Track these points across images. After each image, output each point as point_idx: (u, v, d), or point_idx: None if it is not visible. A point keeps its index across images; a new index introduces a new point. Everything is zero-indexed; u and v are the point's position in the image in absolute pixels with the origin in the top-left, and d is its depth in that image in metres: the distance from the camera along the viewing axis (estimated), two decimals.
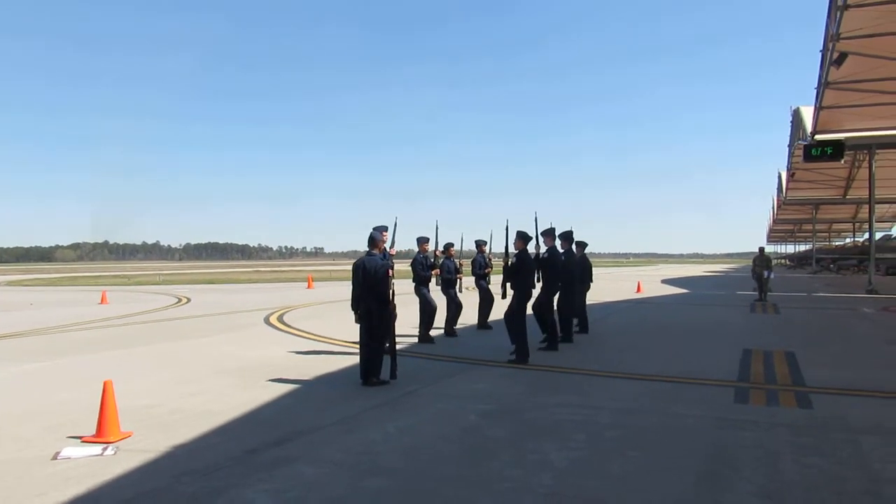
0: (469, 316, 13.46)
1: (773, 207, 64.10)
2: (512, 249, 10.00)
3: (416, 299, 11.57)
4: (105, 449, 5.13)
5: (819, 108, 21.48)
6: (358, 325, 7.77)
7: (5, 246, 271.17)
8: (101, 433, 5.40)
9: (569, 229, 11.83)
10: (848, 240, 69.53)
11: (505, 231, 10.75)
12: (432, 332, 11.64)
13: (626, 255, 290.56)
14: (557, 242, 11.54)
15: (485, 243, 13.52)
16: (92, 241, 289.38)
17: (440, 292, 12.39)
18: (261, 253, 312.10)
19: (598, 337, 12.05)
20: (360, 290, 7.79)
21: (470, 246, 14.09)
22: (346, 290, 9.87)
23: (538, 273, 10.58)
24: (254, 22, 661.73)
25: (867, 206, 28.54)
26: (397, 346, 10.35)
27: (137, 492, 4.24)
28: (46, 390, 7.36)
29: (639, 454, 4.97)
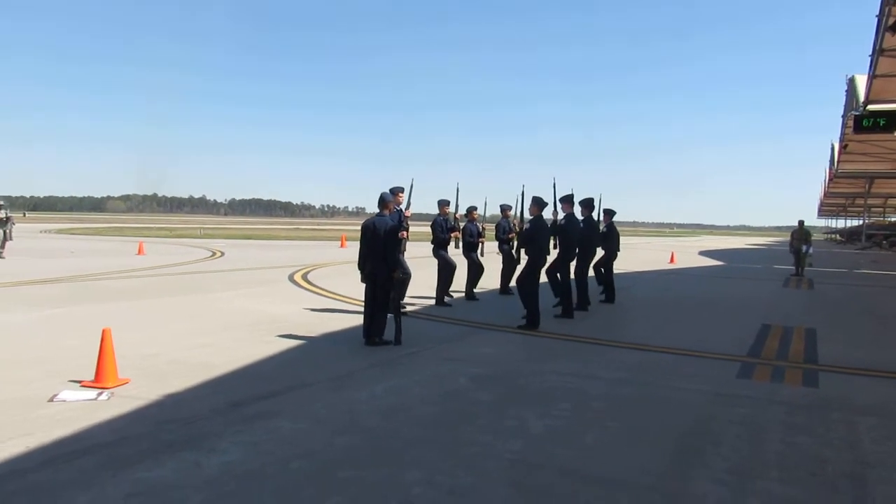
0: (492, 280, 13.42)
1: (825, 180, 61.90)
2: (527, 215, 9.90)
3: (436, 261, 11.56)
4: (100, 394, 5.28)
5: (872, 77, 20.48)
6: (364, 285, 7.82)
7: (60, 195, 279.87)
8: (99, 379, 5.55)
9: (590, 197, 11.65)
10: None
11: (521, 197, 10.65)
12: (454, 295, 11.66)
13: (669, 225, 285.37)
14: (577, 209, 11.41)
15: (510, 208, 13.39)
16: (141, 194, 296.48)
17: (461, 255, 12.38)
18: (303, 210, 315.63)
19: (617, 306, 11.91)
20: (366, 250, 7.80)
21: (493, 210, 14.01)
22: None
23: (555, 239, 10.48)
24: None
25: None
26: (412, 308, 10.53)
27: (119, 436, 4.36)
28: (59, 336, 7.58)
29: (619, 425, 4.91)
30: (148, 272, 16.04)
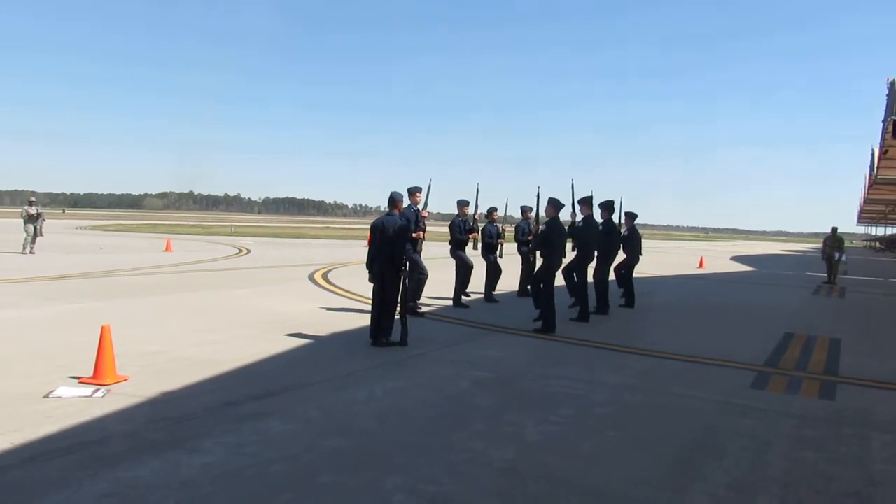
0: (513, 282, 13.27)
1: (864, 186, 60.25)
2: (543, 216, 9.73)
3: (453, 261, 11.45)
4: (96, 391, 5.27)
5: None
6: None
7: (100, 192, 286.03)
8: (97, 376, 5.55)
9: (610, 199, 11.43)
10: None
11: (536, 198, 10.49)
12: (472, 297, 11.54)
13: (704, 230, 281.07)
14: (597, 212, 11.20)
15: (530, 209, 13.21)
16: (178, 191, 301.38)
17: (480, 256, 12.26)
18: (336, 210, 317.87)
19: (636, 311, 11.68)
20: (375, 250, 7.73)
21: (514, 212, 13.85)
22: None
23: (572, 242, 10.31)
24: None
25: None
26: (428, 308, 10.43)
27: (106, 434, 4.33)
28: (69, 331, 7.63)
29: (619, 434, 4.75)
30: (171, 269, 16.19)
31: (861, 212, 76.65)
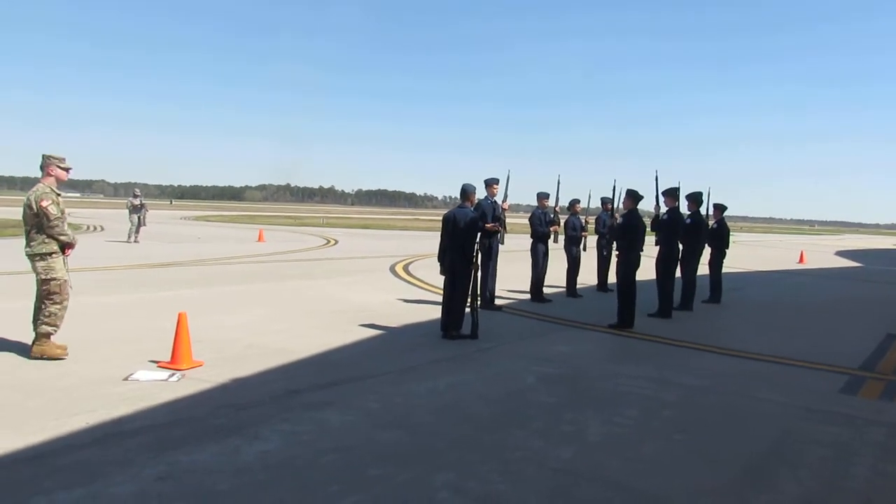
0: (591, 276, 12.98)
1: None
2: (622, 209, 9.44)
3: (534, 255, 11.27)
4: (171, 375, 5.50)
5: None
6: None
7: (204, 185, 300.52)
8: (174, 360, 5.79)
9: (698, 191, 10.97)
10: None
11: (612, 190, 10.18)
12: (554, 291, 11.41)
13: (809, 223, 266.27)
14: (684, 204, 10.78)
15: (610, 201, 12.84)
16: (276, 184, 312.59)
17: (563, 249, 12.04)
18: (426, 202, 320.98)
19: (722, 307, 11.18)
20: (447, 242, 7.71)
21: (597, 203, 13.50)
22: None
23: (657, 235, 9.96)
24: None
25: None
26: (503, 301, 10.33)
27: (174, 418, 4.50)
28: (156, 317, 7.98)
29: (686, 438, 4.53)
30: (260, 259, 16.78)
31: None
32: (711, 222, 11.96)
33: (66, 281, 6.01)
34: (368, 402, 5.03)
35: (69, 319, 6.31)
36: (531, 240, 11.26)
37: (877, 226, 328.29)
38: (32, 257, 5.89)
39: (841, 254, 33.43)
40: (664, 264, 9.95)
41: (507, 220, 10.04)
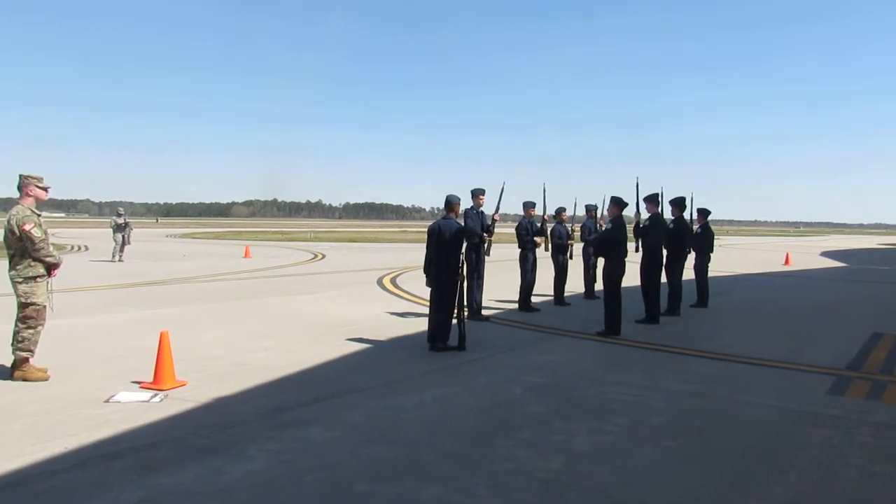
0: (578, 284, 12.97)
1: None
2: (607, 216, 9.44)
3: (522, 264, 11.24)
4: (154, 396, 5.41)
5: None
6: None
7: (190, 202, 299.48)
8: (157, 381, 5.70)
9: (681, 196, 11.01)
10: None
11: (603, 199, 10.18)
12: (542, 300, 11.38)
13: (794, 224, 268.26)
14: (668, 209, 10.82)
15: (595, 208, 12.87)
16: (263, 199, 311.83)
17: (550, 258, 12.02)
18: (414, 213, 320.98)
19: (709, 311, 11.19)
20: (432, 254, 7.67)
21: (583, 211, 13.51)
22: None
23: (637, 241, 9.97)
24: None
25: None
26: (490, 312, 10.29)
27: (156, 440, 4.42)
28: (139, 336, 7.87)
29: (675, 444, 4.50)
30: (246, 275, 16.67)
31: None
32: (695, 227, 12.00)
33: (45, 307, 5.94)
34: (354, 417, 4.97)
35: (52, 340, 6.25)
36: (519, 249, 11.23)
37: (861, 226, 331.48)
38: (16, 281, 5.81)
39: (826, 254, 33.68)
40: (648, 270, 9.95)
41: (497, 230, 10.01)
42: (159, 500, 3.49)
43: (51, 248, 5.97)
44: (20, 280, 5.79)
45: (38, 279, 5.85)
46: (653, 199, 10.02)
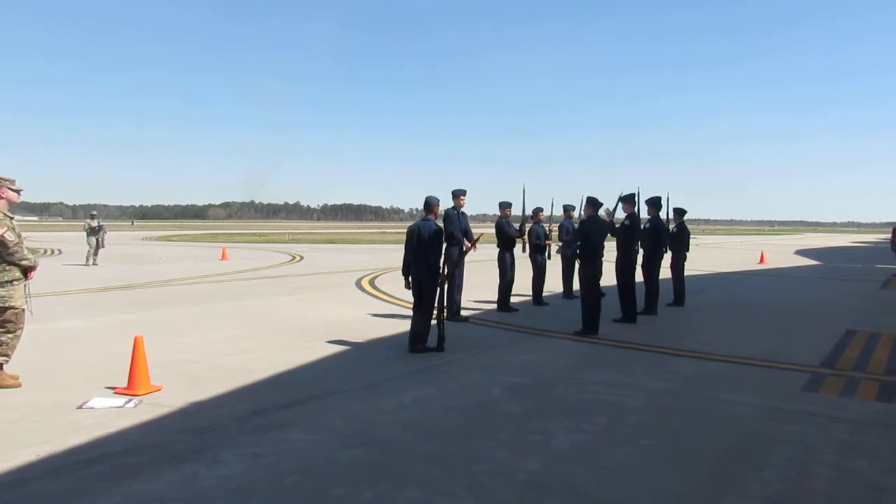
0: (556, 283, 13.02)
1: None
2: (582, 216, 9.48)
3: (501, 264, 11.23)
4: (128, 402, 5.33)
5: None
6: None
7: (166, 204, 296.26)
8: (131, 386, 5.62)
9: (657, 195, 11.09)
10: None
11: (581, 200, 10.22)
12: (521, 300, 11.41)
13: (769, 223, 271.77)
14: (645, 209, 10.89)
15: (573, 208, 12.92)
16: (240, 201, 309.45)
17: (528, 258, 12.03)
18: (393, 215, 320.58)
19: (686, 310, 11.28)
20: (411, 255, 7.65)
21: (560, 211, 13.56)
22: None
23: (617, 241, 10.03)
24: None
25: None
26: (470, 313, 10.28)
27: (130, 446, 4.35)
28: (113, 341, 7.76)
29: (653, 443, 4.52)
30: (223, 277, 16.52)
31: None
32: (672, 226, 12.10)
33: (23, 310, 5.85)
34: (333, 420, 4.94)
35: (24, 346, 6.13)
36: (497, 249, 11.23)
37: (833, 224, 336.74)
38: None
39: (800, 253, 34.15)
40: (624, 270, 10.00)
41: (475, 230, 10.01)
42: None
43: (26, 251, 5.86)
44: None
45: (15, 283, 5.75)
46: (629, 199, 10.08)
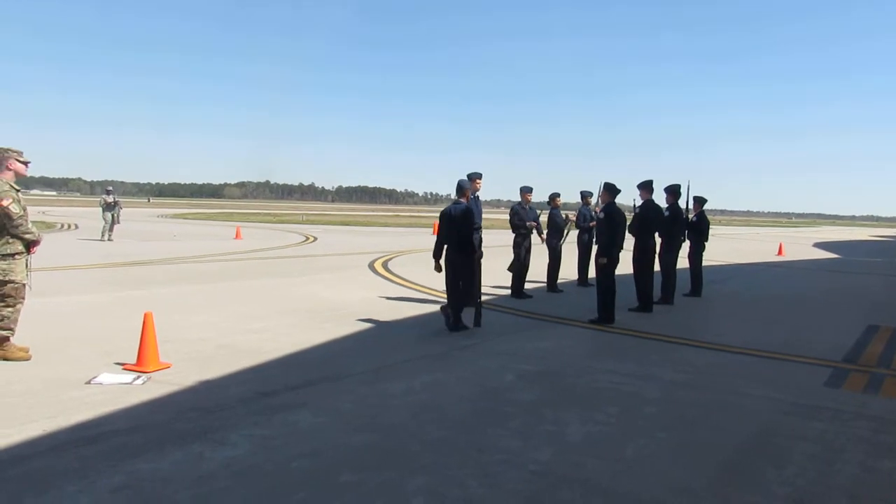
0: (571, 271, 12.87)
1: None
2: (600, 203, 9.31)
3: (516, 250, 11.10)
4: (136, 378, 5.27)
5: None
6: (438, 274, 7.84)
7: (182, 182, 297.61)
8: (140, 363, 5.57)
9: (676, 183, 10.89)
10: None
11: (600, 186, 10.05)
12: (535, 286, 11.32)
13: (787, 215, 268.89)
14: (663, 196, 10.71)
15: (591, 195, 12.73)
16: (255, 181, 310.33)
17: (545, 245, 11.88)
18: (407, 198, 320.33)
19: (703, 301, 11.11)
20: (445, 238, 7.63)
21: (577, 198, 13.39)
22: None
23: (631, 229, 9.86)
24: None
25: None
26: (485, 298, 10.15)
27: (136, 423, 4.29)
28: (125, 317, 7.71)
29: (669, 435, 4.40)
30: (237, 256, 16.50)
31: None
32: (691, 215, 11.88)
33: (24, 285, 5.79)
34: (342, 403, 4.85)
35: (35, 319, 6.11)
36: (513, 234, 11.09)
37: (853, 217, 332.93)
38: None
39: (819, 245, 33.72)
40: (641, 258, 9.84)
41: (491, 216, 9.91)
42: (136, 486, 3.37)
43: (30, 225, 5.80)
44: None
45: (17, 256, 5.69)
46: (646, 186, 9.88)
